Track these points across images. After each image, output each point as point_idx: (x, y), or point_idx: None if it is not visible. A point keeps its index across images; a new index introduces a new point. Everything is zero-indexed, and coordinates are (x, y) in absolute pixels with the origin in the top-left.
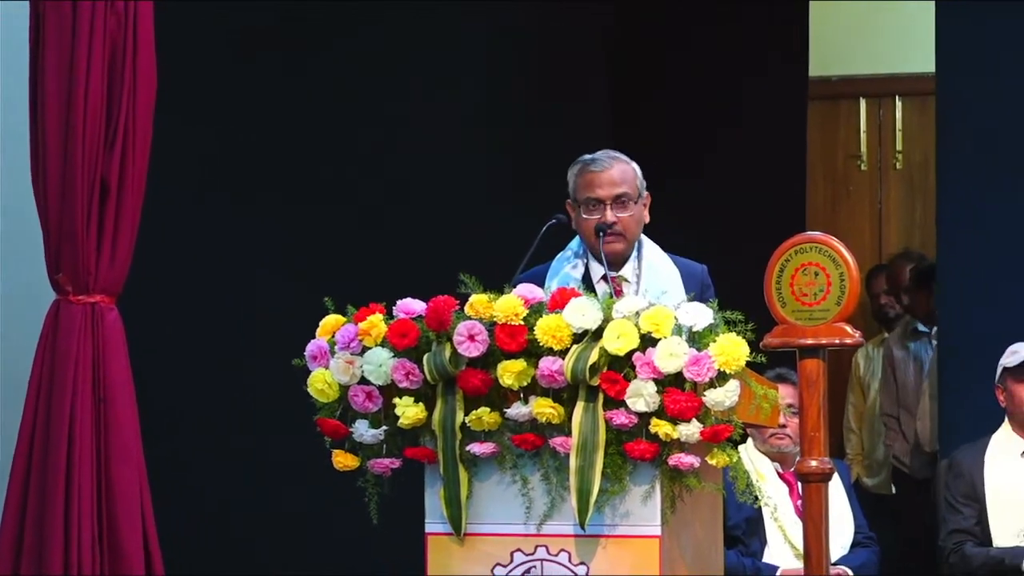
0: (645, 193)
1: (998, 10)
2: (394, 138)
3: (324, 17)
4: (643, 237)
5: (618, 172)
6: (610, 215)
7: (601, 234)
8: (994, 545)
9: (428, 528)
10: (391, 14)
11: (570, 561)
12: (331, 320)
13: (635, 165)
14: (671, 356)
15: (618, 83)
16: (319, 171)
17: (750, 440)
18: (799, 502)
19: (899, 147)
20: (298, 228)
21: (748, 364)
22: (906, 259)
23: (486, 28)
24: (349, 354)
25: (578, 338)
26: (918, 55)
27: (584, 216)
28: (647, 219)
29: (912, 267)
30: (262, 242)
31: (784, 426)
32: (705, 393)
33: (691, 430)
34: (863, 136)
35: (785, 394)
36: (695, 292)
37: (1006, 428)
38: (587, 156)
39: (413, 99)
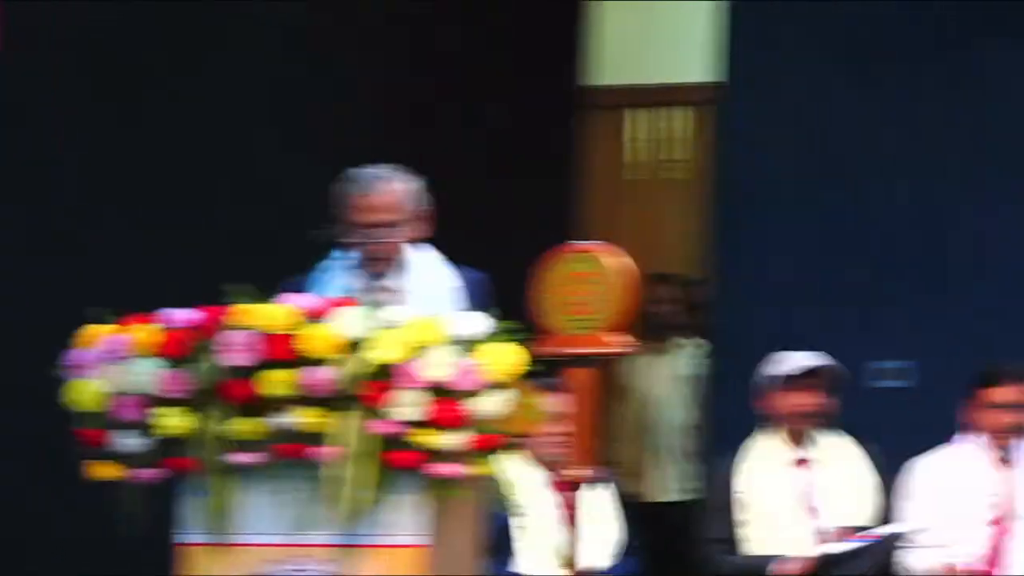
0: (421, 208)
1: (779, 20)
2: (165, 145)
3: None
4: (417, 246)
5: (385, 197)
6: (376, 237)
7: (367, 255)
8: (752, 553)
9: (188, 538)
10: (178, 13)
11: (332, 571)
12: (97, 329)
13: (408, 183)
14: (439, 365)
15: (390, 88)
16: (90, 178)
17: (518, 449)
18: (565, 510)
19: (676, 157)
20: (68, 236)
21: (518, 373)
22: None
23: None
24: (114, 363)
25: (345, 347)
26: (697, 65)
27: (350, 239)
28: (426, 232)
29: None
30: (29, 246)
31: (553, 435)
32: (473, 402)
33: (457, 439)
34: (640, 145)
35: (557, 403)
36: (467, 300)
37: (766, 437)
38: (358, 173)
39: (182, 107)
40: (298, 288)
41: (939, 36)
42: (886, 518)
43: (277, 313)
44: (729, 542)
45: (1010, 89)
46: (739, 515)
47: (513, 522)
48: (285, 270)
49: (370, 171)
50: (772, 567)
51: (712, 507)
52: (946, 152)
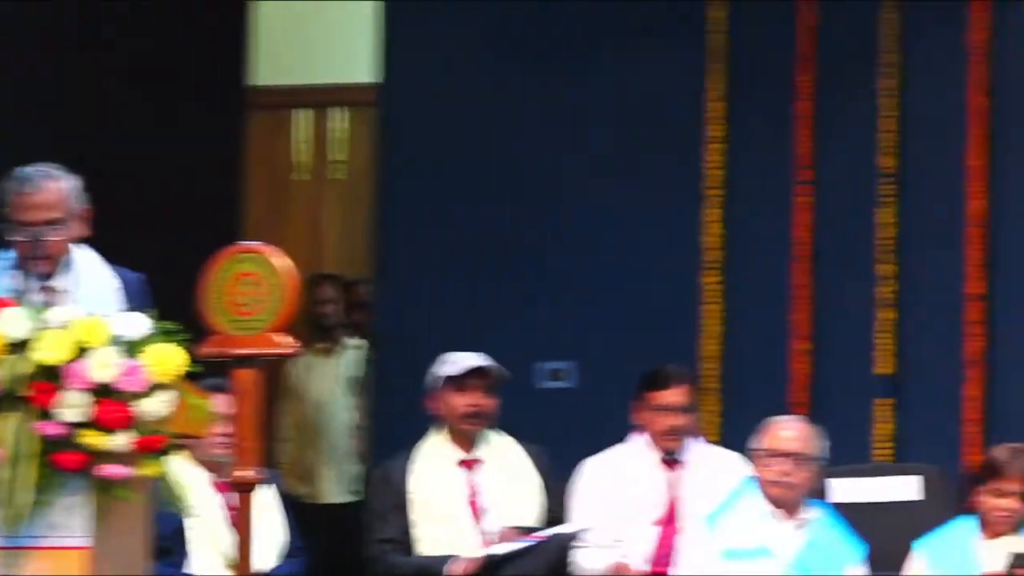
0: (83, 207)
1: (439, 23)
2: None
3: None
4: (80, 247)
5: (50, 195)
6: (40, 236)
7: (32, 254)
8: (421, 554)
9: None
10: None
11: None
12: None
13: (70, 182)
14: (104, 366)
15: (55, 87)
16: None
17: (183, 450)
18: (231, 512)
19: (339, 158)
20: None
21: (185, 374)
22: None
23: None
24: None
25: (10, 348)
26: (360, 65)
27: (15, 238)
28: (86, 232)
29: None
30: None
31: (221, 435)
32: (138, 403)
33: (122, 440)
34: (303, 146)
35: (221, 403)
36: (131, 301)
37: (438, 437)
38: (22, 171)
39: None
40: None
41: (596, 35)
42: (554, 518)
43: None
44: (400, 542)
45: (670, 89)
46: (410, 515)
47: (186, 523)
48: None
49: (34, 169)
50: (445, 568)
51: (383, 507)
52: (603, 151)
